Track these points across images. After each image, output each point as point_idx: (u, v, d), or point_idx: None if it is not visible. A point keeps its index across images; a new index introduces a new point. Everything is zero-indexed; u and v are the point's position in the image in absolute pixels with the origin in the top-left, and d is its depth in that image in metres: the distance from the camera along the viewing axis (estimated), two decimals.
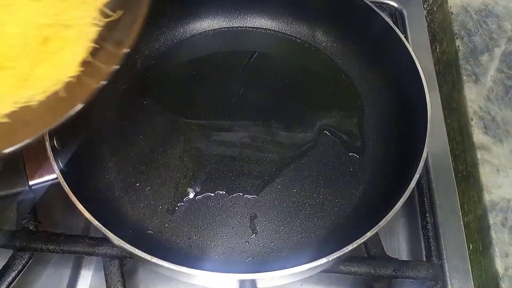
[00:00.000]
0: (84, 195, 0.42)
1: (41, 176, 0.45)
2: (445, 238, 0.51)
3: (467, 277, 0.49)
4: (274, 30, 0.66)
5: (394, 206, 0.41)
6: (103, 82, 0.35)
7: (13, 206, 0.49)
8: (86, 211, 0.41)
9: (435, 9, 0.72)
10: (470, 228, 0.53)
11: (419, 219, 0.52)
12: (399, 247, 0.53)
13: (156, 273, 0.50)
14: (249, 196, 0.52)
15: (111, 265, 0.47)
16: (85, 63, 0.35)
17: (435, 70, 0.65)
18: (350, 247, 0.39)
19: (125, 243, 0.39)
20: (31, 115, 0.34)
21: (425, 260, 0.50)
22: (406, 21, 0.69)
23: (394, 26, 0.55)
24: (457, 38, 0.64)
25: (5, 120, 0.33)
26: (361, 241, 0.39)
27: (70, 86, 0.35)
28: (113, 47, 0.36)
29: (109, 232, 0.40)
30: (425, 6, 0.74)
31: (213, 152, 0.55)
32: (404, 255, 0.53)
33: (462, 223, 0.52)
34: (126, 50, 0.36)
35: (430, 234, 0.50)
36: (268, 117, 0.58)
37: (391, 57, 0.57)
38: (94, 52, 0.36)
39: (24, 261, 0.47)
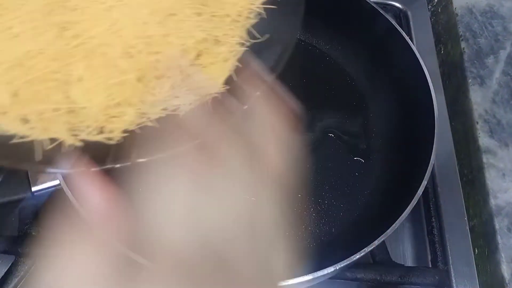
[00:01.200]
0: None
1: (44, 182, 0.45)
2: (450, 243, 0.50)
3: (473, 282, 0.48)
4: None
5: (401, 214, 0.41)
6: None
7: (15, 212, 0.49)
8: None
9: (439, 10, 0.72)
10: (475, 233, 0.53)
11: (425, 224, 0.52)
12: (404, 252, 0.52)
13: None
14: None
15: None
16: (230, 82, 0.35)
17: (440, 72, 0.65)
18: (357, 255, 0.38)
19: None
20: (175, 125, 0.33)
21: (431, 266, 0.49)
22: (411, 22, 0.69)
23: (399, 27, 0.55)
24: (462, 40, 0.64)
25: (154, 124, 0.33)
26: (368, 249, 0.39)
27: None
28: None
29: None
30: (430, 7, 0.73)
31: None
32: (409, 261, 0.52)
33: (467, 228, 0.52)
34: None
35: (436, 239, 0.50)
36: None
37: (396, 59, 0.56)
38: (239, 72, 0.36)
39: (26, 267, 0.46)
